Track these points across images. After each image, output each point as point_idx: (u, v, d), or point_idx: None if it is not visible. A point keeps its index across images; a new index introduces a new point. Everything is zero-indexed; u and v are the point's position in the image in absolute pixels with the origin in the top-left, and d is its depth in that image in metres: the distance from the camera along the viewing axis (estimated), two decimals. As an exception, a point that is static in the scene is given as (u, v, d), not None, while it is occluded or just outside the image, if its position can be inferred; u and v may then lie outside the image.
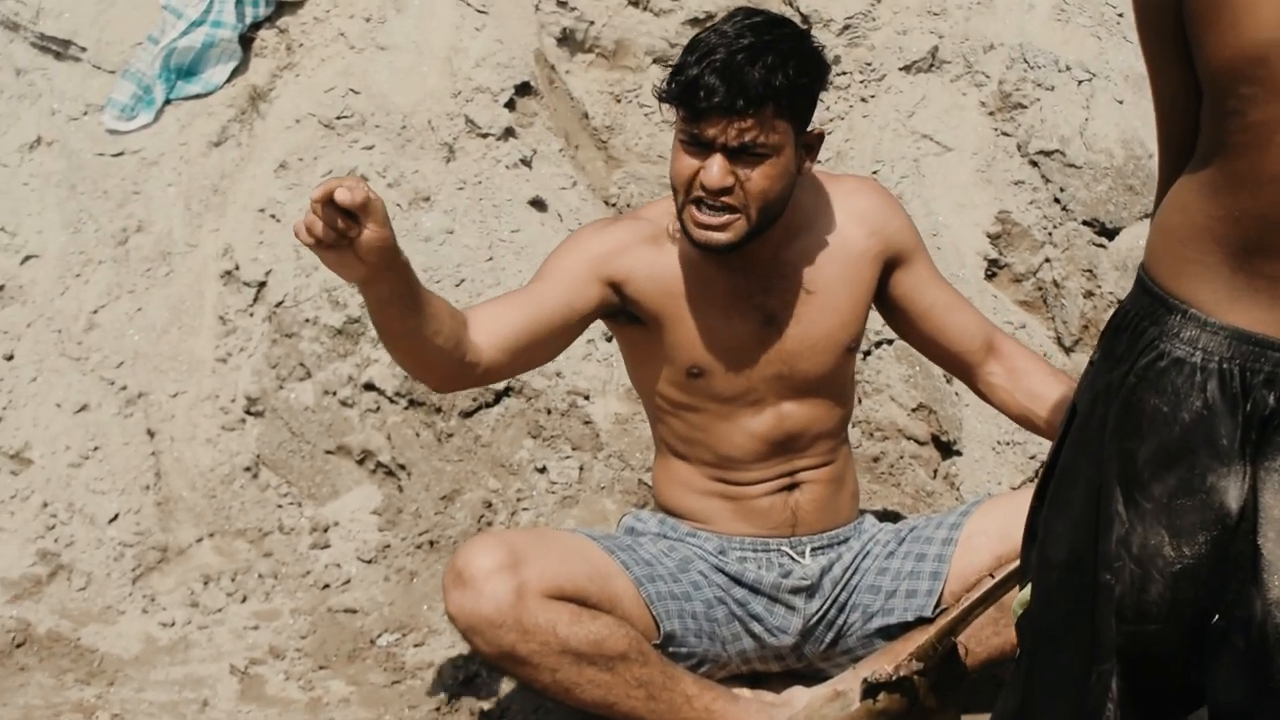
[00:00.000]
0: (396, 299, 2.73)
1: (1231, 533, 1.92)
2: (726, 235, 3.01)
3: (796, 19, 4.91)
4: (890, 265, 3.29)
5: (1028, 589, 2.21)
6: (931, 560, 3.29)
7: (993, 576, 3.06)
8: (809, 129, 3.07)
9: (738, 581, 3.30)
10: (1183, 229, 1.94)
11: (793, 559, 3.32)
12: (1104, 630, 2.02)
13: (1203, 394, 1.91)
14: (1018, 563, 3.05)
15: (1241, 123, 1.84)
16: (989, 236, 4.68)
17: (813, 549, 3.34)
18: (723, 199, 2.97)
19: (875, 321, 4.27)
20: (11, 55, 4.76)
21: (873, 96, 4.92)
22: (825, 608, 3.32)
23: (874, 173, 4.72)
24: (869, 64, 4.93)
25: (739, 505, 3.32)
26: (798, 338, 3.22)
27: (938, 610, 3.23)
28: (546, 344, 3.13)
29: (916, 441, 4.27)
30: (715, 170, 2.95)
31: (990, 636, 3.21)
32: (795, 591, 3.31)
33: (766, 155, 2.96)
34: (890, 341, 4.38)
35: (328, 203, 2.50)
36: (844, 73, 4.94)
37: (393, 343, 2.87)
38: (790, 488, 3.31)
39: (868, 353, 4.39)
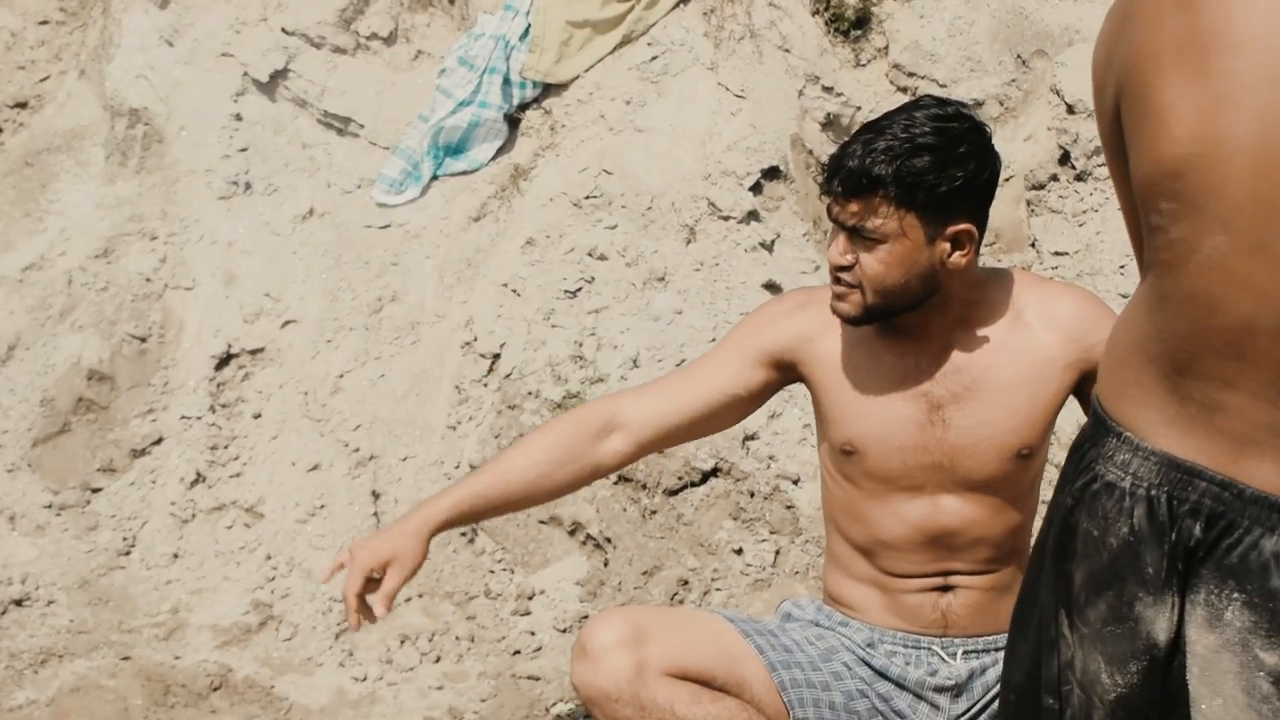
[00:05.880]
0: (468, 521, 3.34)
1: (1164, 664, 1.84)
2: (845, 307, 3.06)
3: (1060, 105, 4.82)
4: (1091, 376, 3.16)
5: None
6: None
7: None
8: (953, 223, 3.03)
9: (882, 676, 3.24)
10: (1124, 346, 1.88)
11: (942, 659, 3.25)
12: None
13: (1130, 520, 1.83)
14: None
15: (1165, 239, 1.77)
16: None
17: (964, 651, 3.26)
18: (841, 275, 3.04)
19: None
20: (299, 130, 5.07)
21: (1129, 187, 4.75)
22: (974, 711, 3.23)
23: (1121, 267, 4.59)
24: (1130, 153, 4.77)
25: (890, 598, 3.25)
26: (962, 432, 3.14)
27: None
28: (703, 425, 3.26)
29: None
30: (835, 247, 3.03)
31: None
32: (940, 690, 3.22)
33: (878, 241, 2.98)
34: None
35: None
36: (1104, 164, 4.80)
37: None
38: (943, 589, 3.23)
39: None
